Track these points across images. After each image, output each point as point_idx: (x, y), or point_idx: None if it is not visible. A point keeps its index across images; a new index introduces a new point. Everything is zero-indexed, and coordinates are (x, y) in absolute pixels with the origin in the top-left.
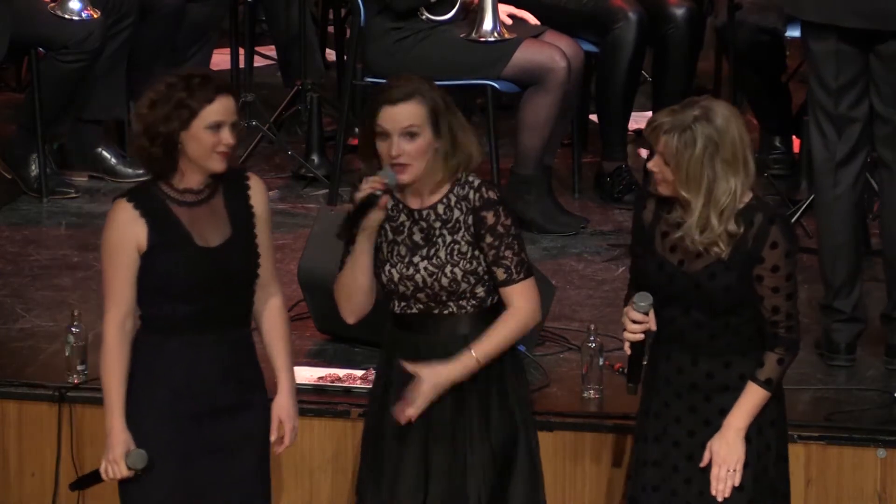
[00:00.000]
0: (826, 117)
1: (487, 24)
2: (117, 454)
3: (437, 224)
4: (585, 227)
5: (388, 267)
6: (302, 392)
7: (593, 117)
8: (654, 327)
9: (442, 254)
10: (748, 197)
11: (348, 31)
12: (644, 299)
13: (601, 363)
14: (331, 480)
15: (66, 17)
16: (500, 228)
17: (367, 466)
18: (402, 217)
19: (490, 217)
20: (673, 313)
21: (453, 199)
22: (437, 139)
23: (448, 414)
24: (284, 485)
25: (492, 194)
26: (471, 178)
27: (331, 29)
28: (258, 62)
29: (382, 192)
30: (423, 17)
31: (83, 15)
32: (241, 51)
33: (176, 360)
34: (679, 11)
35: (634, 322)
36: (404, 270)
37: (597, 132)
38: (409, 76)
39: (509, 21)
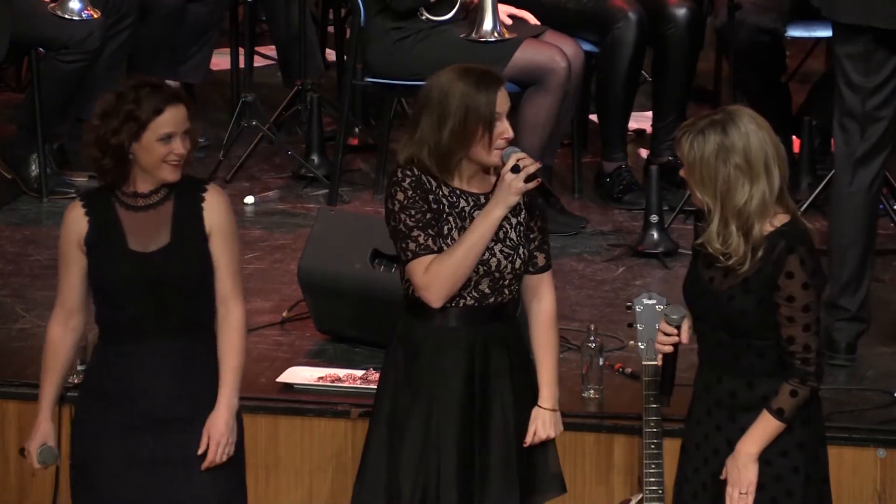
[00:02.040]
0: (849, 114)
1: (487, 24)
2: (32, 446)
3: None
4: (585, 227)
5: None
6: (302, 392)
7: (593, 117)
8: (685, 340)
9: (513, 235)
10: (781, 221)
11: (348, 31)
12: (676, 312)
13: (601, 363)
14: (331, 480)
15: (66, 17)
16: (545, 212)
17: (409, 465)
18: (463, 203)
19: (540, 199)
20: (703, 329)
21: None
22: None
23: (496, 409)
24: (284, 485)
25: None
26: None
27: (331, 29)
28: (258, 62)
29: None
30: (423, 17)
31: (83, 15)
32: (241, 51)
33: (111, 369)
34: (679, 11)
35: (666, 335)
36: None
37: (597, 132)
38: (475, 64)
39: (509, 21)
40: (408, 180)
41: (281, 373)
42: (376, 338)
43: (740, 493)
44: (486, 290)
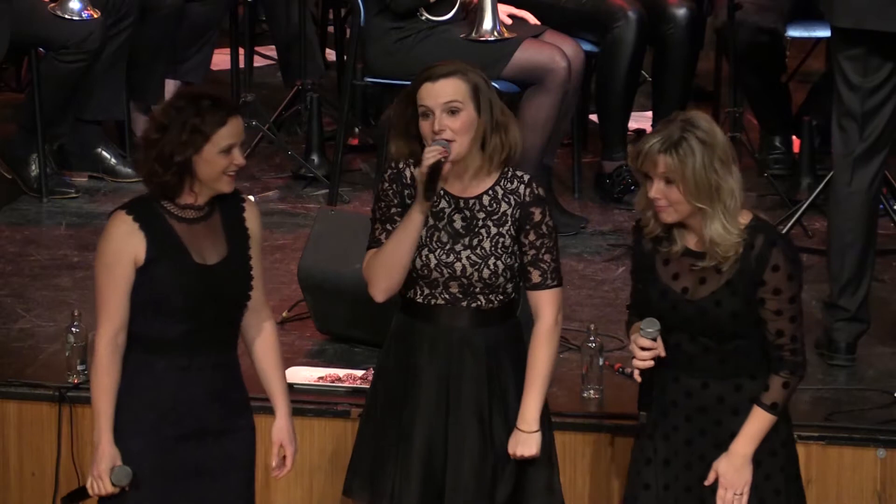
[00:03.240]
0: (847, 114)
1: (487, 23)
2: (102, 469)
3: (482, 215)
4: (585, 227)
5: (425, 251)
6: (302, 392)
7: (593, 117)
8: (663, 353)
9: (486, 245)
10: (747, 218)
11: (348, 31)
12: (652, 325)
13: (601, 363)
14: (331, 480)
15: (66, 17)
16: (544, 228)
17: (388, 463)
18: (443, 203)
19: (538, 214)
20: (679, 339)
21: (500, 192)
22: (479, 118)
23: (468, 413)
24: (284, 485)
25: (541, 191)
26: (519, 173)
27: (331, 29)
28: (258, 62)
29: (445, 160)
30: (423, 17)
31: (83, 15)
32: (241, 51)
33: (162, 382)
34: (679, 11)
35: (644, 349)
36: (444, 257)
37: (597, 132)
38: (450, 60)
39: (509, 21)
40: (388, 172)
41: None
42: (376, 338)
43: (735, 494)
44: (458, 294)
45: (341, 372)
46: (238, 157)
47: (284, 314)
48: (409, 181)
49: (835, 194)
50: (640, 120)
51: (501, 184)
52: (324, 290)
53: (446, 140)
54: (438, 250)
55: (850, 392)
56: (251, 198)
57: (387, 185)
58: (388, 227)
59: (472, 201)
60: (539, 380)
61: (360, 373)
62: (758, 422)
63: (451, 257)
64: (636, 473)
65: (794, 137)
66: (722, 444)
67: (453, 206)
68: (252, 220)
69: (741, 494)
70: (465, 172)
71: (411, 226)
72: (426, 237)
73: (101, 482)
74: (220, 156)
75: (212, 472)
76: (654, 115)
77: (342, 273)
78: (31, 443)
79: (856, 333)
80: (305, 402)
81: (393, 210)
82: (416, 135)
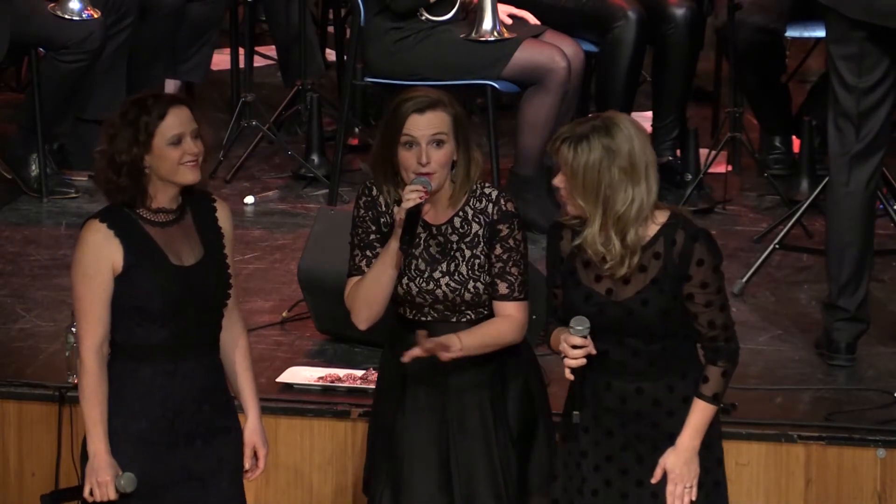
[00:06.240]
0: (843, 114)
1: (487, 23)
2: (108, 477)
3: (455, 238)
4: None
5: (405, 280)
6: (302, 392)
7: None
8: (593, 350)
9: (463, 269)
10: (664, 216)
11: (348, 31)
12: (581, 323)
13: None
14: (331, 480)
15: (66, 17)
16: (511, 242)
17: (381, 468)
18: (419, 228)
19: (504, 229)
20: (607, 343)
21: (470, 213)
22: (456, 150)
23: (467, 408)
24: (284, 485)
25: (510, 207)
26: (487, 190)
27: (331, 29)
28: (258, 62)
29: (425, 202)
30: (423, 17)
31: (83, 15)
32: (241, 51)
33: (150, 390)
34: (679, 11)
35: (576, 347)
36: (424, 285)
37: None
38: (427, 89)
39: (509, 21)
40: (363, 199)
41: (281, 373)
42: (376, 338)
43: (686, 488)
44: (445, 312)
45: (341, 372)
46: (190, 147)
47: (284, 314)
48: (383, 208)
49: (832, 195)
50: (640, 120)
51: (471, 203)
52: (324, 290)
53: (428, 174)
54: (418, 278)
55: (850, 392)
56: (218, 197)
57: (363, 211)
58: (368, 253)
59: (444, 227)
60: (482, 332)
61: (360, 373)
62: (701, 414)
63: (431, 284)
64: (568, 478)
65: (794, 137)
66: (659, 446)
67: (427, 233)
68: (224, 219)
69: (690, 487)
70: (439, 202)
71: (388, 264)
72: (404, 266)
73: (105, 489)
74: (169, 148)
75: (201, 476)
76: (654, 114)
77: (342, 273)
78: (31, 443)
79: (856, 333)
80: (305, 402)
81: (372, 237)
82: (394, 163)
